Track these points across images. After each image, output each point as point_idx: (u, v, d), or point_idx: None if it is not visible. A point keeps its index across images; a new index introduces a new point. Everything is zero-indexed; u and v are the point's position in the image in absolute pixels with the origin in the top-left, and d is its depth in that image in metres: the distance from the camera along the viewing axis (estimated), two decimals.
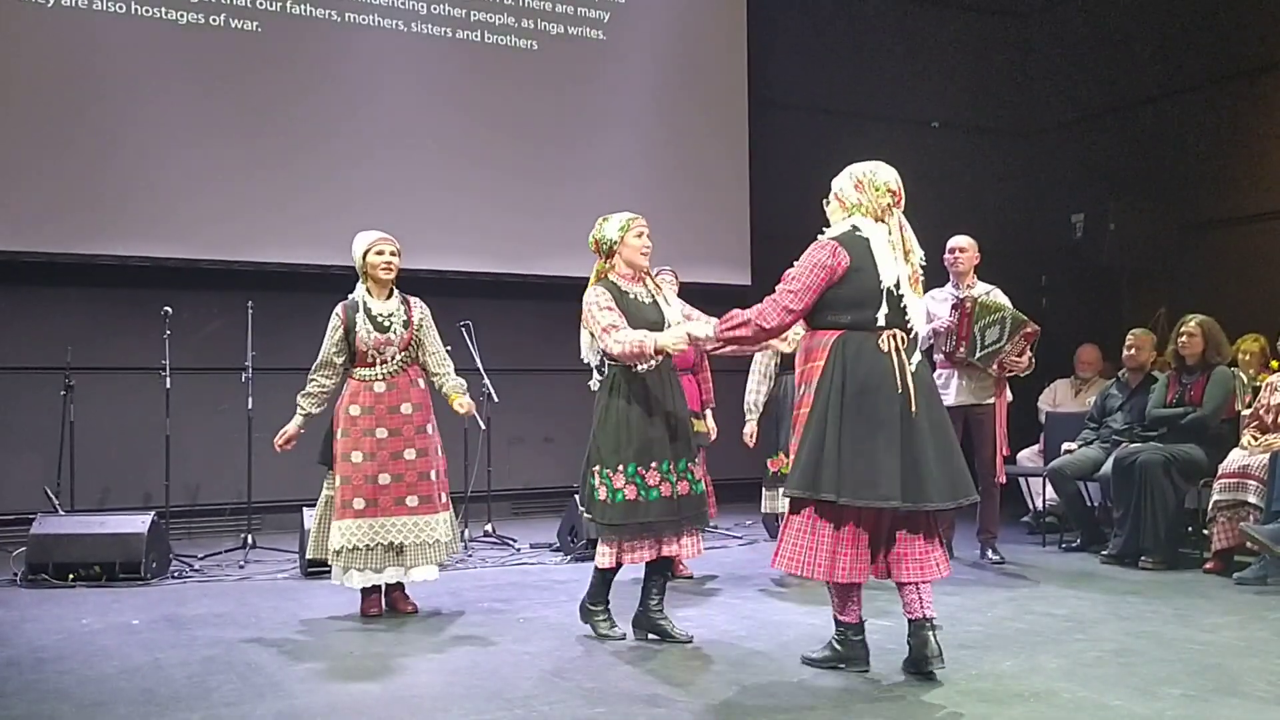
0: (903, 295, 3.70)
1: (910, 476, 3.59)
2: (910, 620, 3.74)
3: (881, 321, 3.67)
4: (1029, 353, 6.04)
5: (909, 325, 3.72)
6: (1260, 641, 4.28)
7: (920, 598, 3.71)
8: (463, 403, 4.99)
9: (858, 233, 3.73)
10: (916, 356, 3.73)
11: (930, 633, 3.69)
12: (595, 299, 4.28)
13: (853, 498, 3.58)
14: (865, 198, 3.77)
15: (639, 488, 4.18)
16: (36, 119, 7.14)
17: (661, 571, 4.39)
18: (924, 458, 3.62)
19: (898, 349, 3.67)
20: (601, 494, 4.21)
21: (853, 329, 3.69)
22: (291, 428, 4.94)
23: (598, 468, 4.23)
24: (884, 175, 3.80)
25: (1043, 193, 10.39)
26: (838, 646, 3.85)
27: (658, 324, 4.28)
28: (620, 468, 4.19)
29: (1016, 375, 6.15)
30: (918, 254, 3.79)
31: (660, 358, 4.18)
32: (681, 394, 4.43)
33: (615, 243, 4.34)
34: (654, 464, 4.21)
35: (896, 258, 3.71)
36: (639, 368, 4.23)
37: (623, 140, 8.80)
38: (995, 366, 6.00)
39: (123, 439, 7.33)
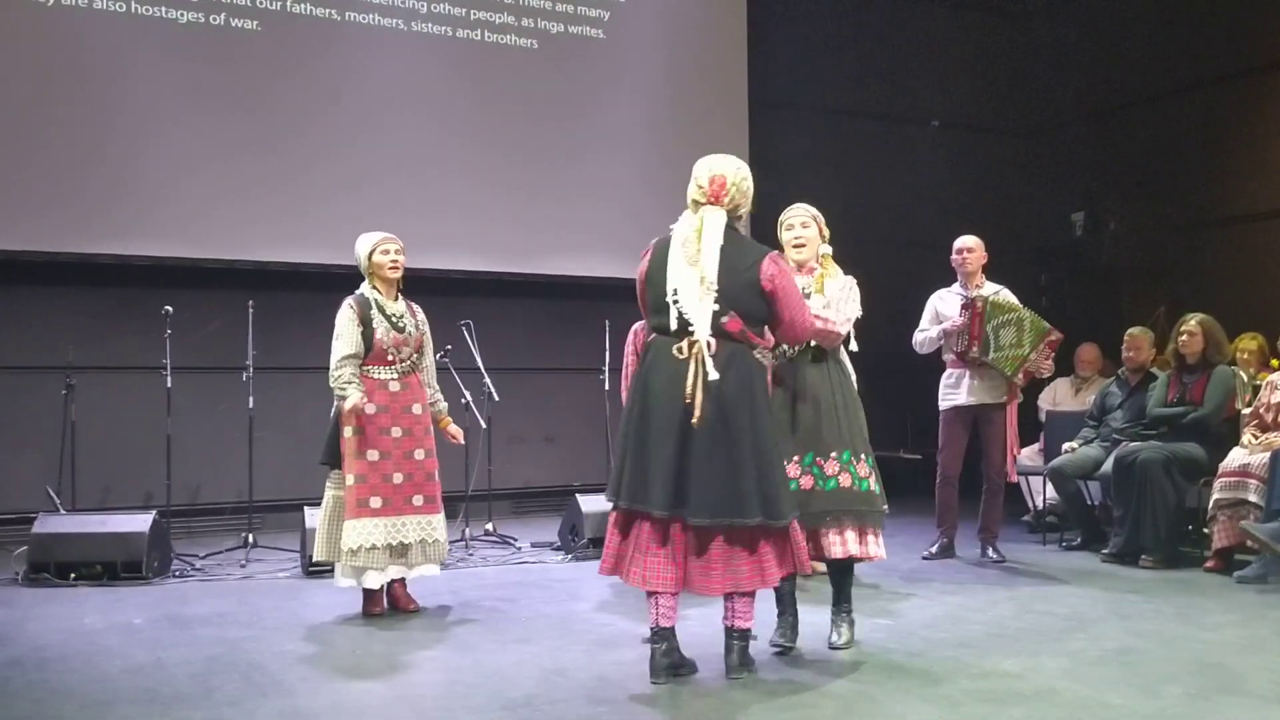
0: (679, 300, 3.57)
1: (681, 485, 3.55)
2: (724, 626, 3.75)
3: (674, 326, 3.59)
4: (1052, 359, 6.11)
5: (691, 331, 3.56)
6: (1261, 640, 4.29)
7: (733, 608, 3.70)
8: (459, 432, 5.21)
9: (671, 230, 3.72)
10: (712, 365, 3.52)
11: (735, 642, 3.72)
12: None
13: (629, 502, 3.63)
14: (689, 189, 3.73)
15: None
16: (37, 118, 7.13)
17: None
18: (698, 469, 3.54)
19: (698, 356, 3.53)
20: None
21: (657, 333, 3.69)
22: (360, 396, 4.72)
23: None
24: (700, 168, 3.73)
25: (1043, 191, 10.39)
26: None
27: None
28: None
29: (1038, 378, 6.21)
30: (708, 255, 3.58)
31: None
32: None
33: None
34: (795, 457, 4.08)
35: (683, 262, 3.59)
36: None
37: (623, 139, 8.80)
38: (1021, 375, 6.03)
39: (124, 438, 7.32)
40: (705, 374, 3.51)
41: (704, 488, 3.54)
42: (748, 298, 3.65)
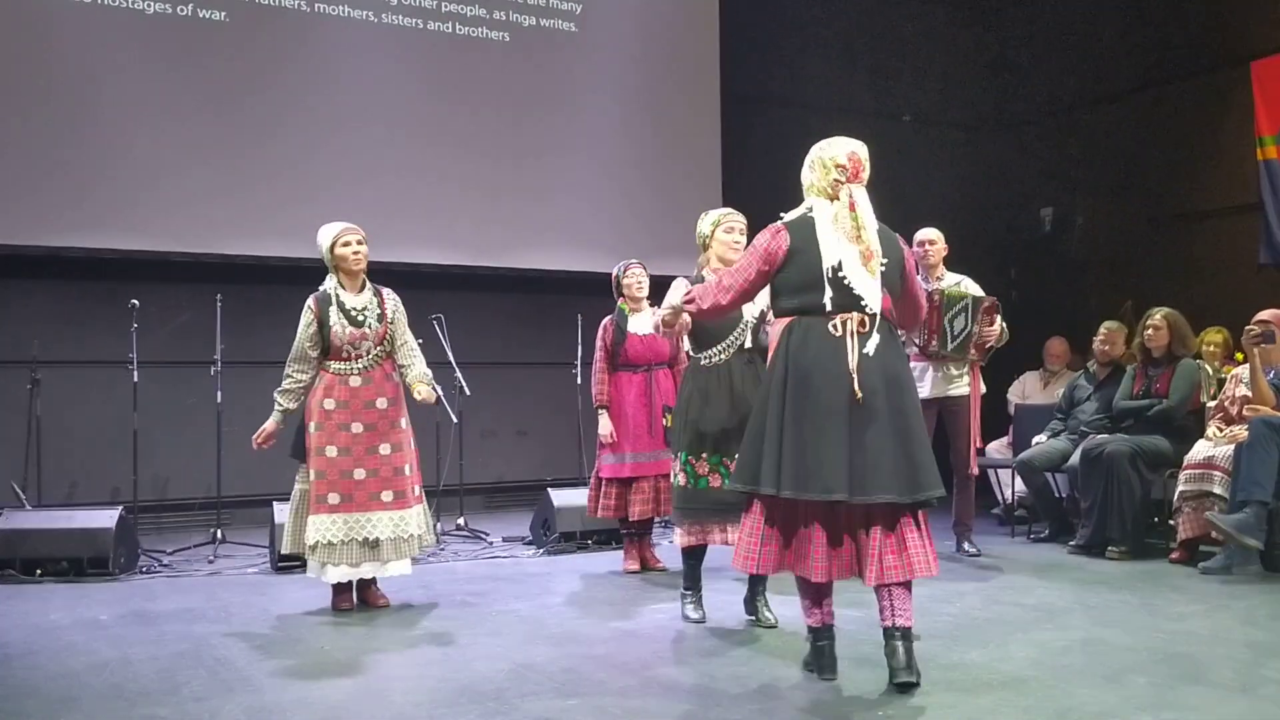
0: (846, 276, 3.50)
1: (860, 467, 3.41)
2: (882, 628, 3.53)
3: (829, 305, 3.50)
4: (998, 321, 6.04)
5: (864, 306, 3.51)
6: (1225, 630, 4.34)
7: (892, 604, 3.47)
8: (422, 390, 4.86)
9: (809, 214, 3.62)
10: (874, 340, 3.50)
11: (899, 643, 3.47)
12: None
13: (794, 490, 3.43)
14: (816, 176, 3.65)
15: (689, 475, 4.38)
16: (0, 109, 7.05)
17: None
18: (878, 447, 3.43)
19: (854, 333, 3.49)
20: (678, 479, 4.44)
21: (801, 314, 3.57)
22: (270, 424, 4.88)
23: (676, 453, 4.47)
24: (833, 150, 3.63)
25: (1012, 187, 10.46)
26: (807, 651, 3.74)
27: (736, 319, 4.40)
28: (675, 455, 4.45)
29: (996, 348, 6.13)
30: (870, 230, 3.55)
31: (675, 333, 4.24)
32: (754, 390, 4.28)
33: (706, 236, 4.56)
34: (704, 455, 4.35)
35: (841, 237, 3.53)
36: (706, 360, 4.45)
37: (595, 133, 8.79)
38: (973, 350, 6.02)
39: (90, 433, 7.25)
40: (873, 349, 3.49)
41: (889, 466, 3.43)
42: (895, 276, 3.65)
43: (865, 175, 3.65)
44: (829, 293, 3.50)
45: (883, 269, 3.56)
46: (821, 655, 3.64)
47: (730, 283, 3.73)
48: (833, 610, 3.67)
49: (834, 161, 3.61)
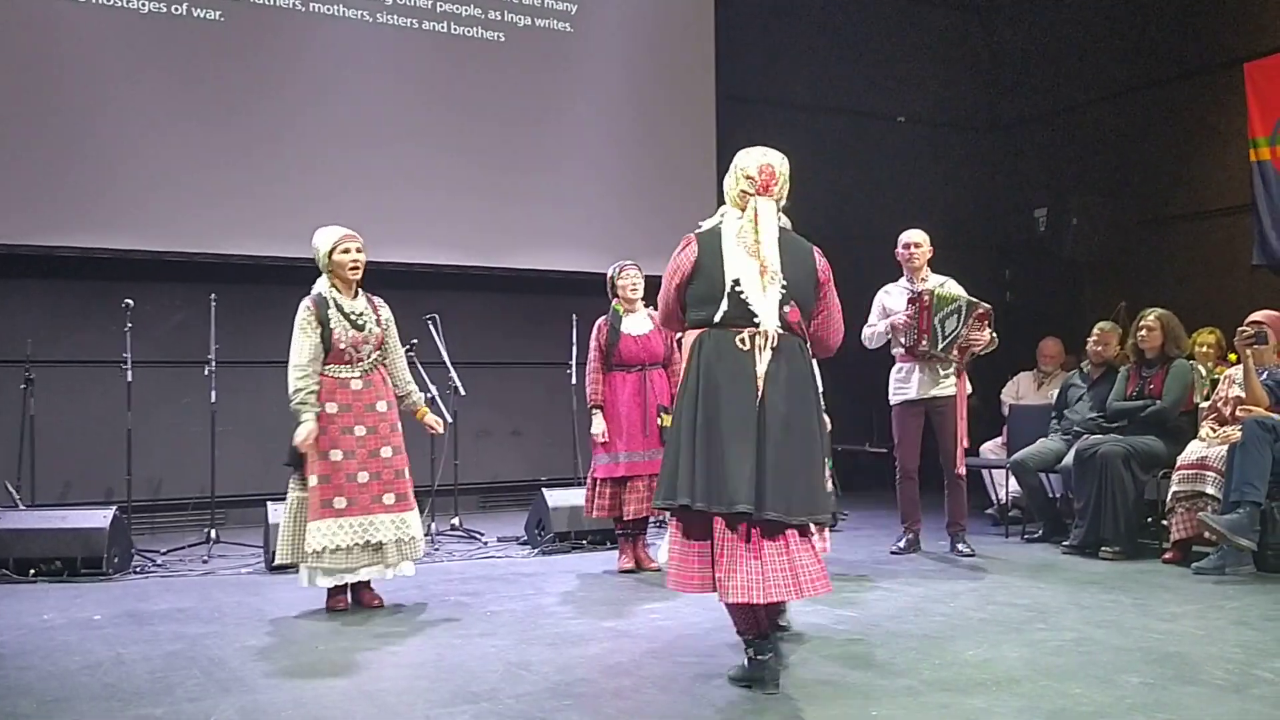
0: (743, 291, 3.47)
1: (764, 482, 3.38)
2: (755, 635, 3.55)
3: (719, 319, 3.49)
4: (988, 329, 6.06)
5: (757, 323, 3.46)
6: (1217, 630, 4.35)
7: (768, 613, 3.53)
8: (437, 422, 5.09)
9: (719, 225, 3.61)
10: (778, 356, 3.47)
11: (773, 648, 3.53)
12: None
13: (705, 503, 3.40)
14: (730, 184, 3.65)
15: None
16: None
17: None
18: (777, 464, 3.40)
19: (762, 347, 3.45)
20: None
21: (710, 326, 3.53)
22: (312, 426, 4.69)
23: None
24: (747, 160, 3.61)
25: (1006, 187, 10.49)
26: (745, 665, 3.57)
27: None
28: None
29: (980, 354, 6.14)
30: (768, 245, 3.50)
31: None
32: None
33: None
34: None
35: (743, 251, 3.50)
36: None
37: (590, 133, 8.79)
38: (955, 352, 6.04)
39: (84, 433, 7.23)
40: (777, 366, 3.45)
41: (784, 483, 3.39)
42: (807, 288, 3.61)
43: (777, 189, 3.62)
44: (724, 307, 3.49)
45: (784, 287, 3.51)
46: (762, 668, 3.50)
47: (660, 297, 3.74)
48: (768, 618, 3.60)
49: (744, 172, 3.61)
